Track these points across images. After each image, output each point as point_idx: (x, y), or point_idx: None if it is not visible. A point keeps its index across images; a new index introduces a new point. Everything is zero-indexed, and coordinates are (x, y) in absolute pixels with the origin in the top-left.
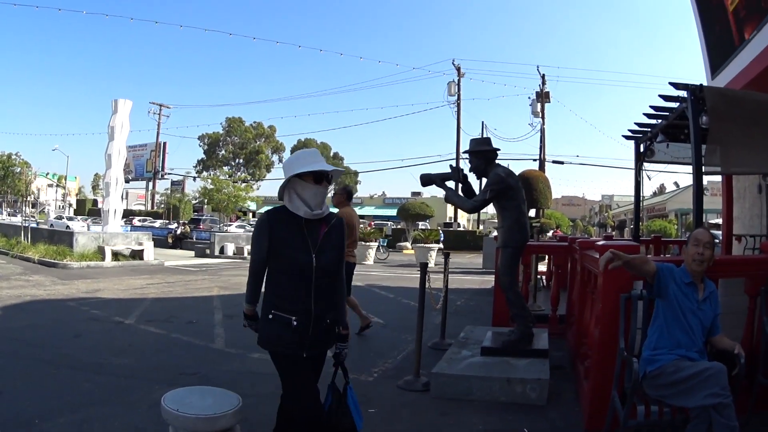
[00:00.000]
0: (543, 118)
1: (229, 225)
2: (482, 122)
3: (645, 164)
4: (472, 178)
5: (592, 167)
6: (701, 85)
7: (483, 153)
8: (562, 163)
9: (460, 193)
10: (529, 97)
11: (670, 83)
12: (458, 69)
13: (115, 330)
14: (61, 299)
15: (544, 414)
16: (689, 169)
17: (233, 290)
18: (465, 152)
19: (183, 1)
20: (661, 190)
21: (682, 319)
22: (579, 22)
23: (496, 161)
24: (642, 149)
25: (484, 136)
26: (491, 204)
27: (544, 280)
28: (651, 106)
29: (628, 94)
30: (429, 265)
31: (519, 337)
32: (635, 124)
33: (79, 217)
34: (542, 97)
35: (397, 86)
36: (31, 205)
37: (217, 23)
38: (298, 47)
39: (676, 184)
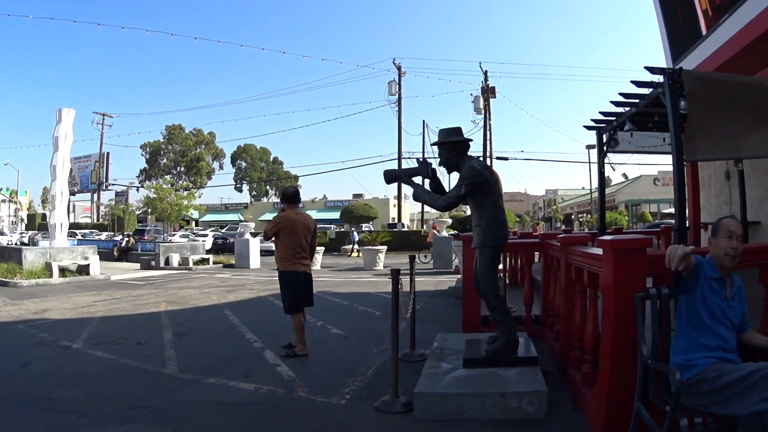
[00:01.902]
0: (487, 113)
1: (173, 235)
2: (423, 121)
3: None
4: (441, 174)
5: (535, 162)
6: (680, 68)
7: (454, 144)
8: (506, 159)
9: (429, 189)
10: (471, 94)
11: (646, 67)
12: (399, 68)
13: (64, 356)
14: (11, 322)
15: (546, 429)
16: (652, 159)
17: (181, 305)
18: (434, 144)
19: (124, 2)
20: (608, 181)
21: (714, 318)
22: (521, 19)
23: (469, 153)
24: (606, 139)
25: (427, 136)
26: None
27: (507, 279)
28: (620, 93)
29: (573, 88)
30: (377, 268)
31: (504, 345)
32: (600, 113)
33: (39, 233)
34: (487, 92)
35: (338, 87)
36: None
37: (159, 24)
38: (240, 47)
39: (624, 175)
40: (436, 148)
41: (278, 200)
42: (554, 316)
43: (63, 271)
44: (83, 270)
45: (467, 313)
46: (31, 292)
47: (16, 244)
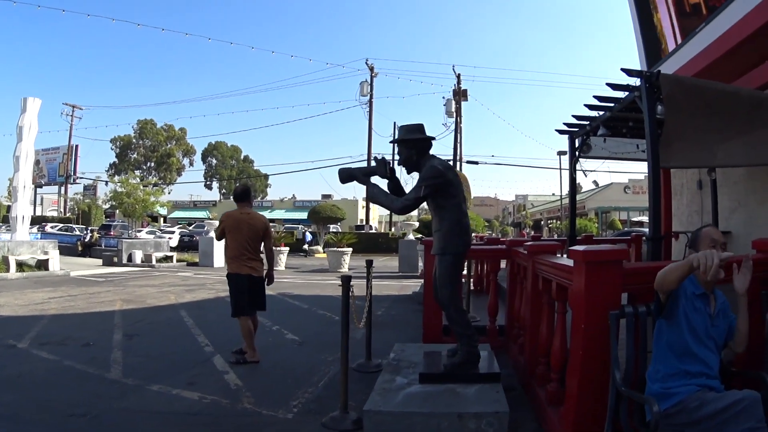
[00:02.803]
0: (459, 117)
1: (140, 231)
2: (394, 123)
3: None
4: (400, 173)
5: (506, 168)
6: (659, 71)
7: (415, 142)
8: (476, 163)
9: (386, 190)
10: (443, 97)
11: (623, 69)
12: (371, 68)
13: (5, 357)
14: None
15: None
16: (623, 166)
17: (136, 304)
18: (393, 141)
19: None
20: (578, 188)
21: (697, 340)
22: (496, 25)
23: (431, 152)
24: (578, 144)
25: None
26: (424, 203)
27: (472, 285)
28: (595, 96)
29: (546, 95)
30: (342, 269)
31: (464, 359)
32: (573, 116)
33: (3, 226)
34: (459, 95)
35: (309, 86)
36: None
37: (125, 14)
38: (208, 39)
39: (595, 183)
40: None
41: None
42: (519, 328)
43: (21, 266)
44: (42, 265)
45: (428, 322)
46: None
47: None
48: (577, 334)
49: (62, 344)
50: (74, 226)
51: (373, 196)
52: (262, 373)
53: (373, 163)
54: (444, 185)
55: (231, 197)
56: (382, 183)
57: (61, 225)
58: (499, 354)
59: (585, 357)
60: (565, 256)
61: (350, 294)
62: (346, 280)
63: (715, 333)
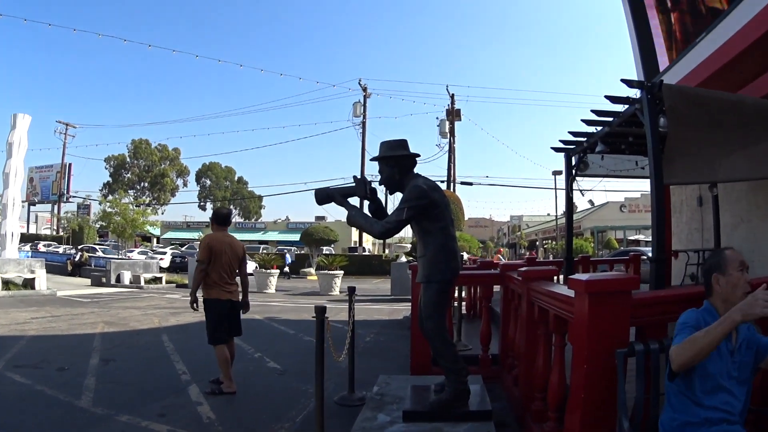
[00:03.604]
0: (453, 137)
1: (132, 251)
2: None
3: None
4: (382, 194)
5: (500, 188)
6: (661, 81)
7: (397, 159)
8: (471, 184)
9: (367, 212)
10: (437, 117)
11: (623, 80)
12: (365, 89)
13: None
14: None
15: None
16: (618, 185)
17: (119, 327)
18: (374, 159)
19: (77, 3)
20: (574, 208)
21: (717, 384)
22: (488, 44)
23: (415, 171)
24: (574, 162)
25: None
26: (408, 226)
27: (465, 309)
28: (593, 111)
29: (541, 114)
30: (333, 293)
31: (452, 396)
32: (569, 133)
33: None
34: (452, 115)
35: (300, 107)
36: None
37: (112, 29)
38: (195, 57)
39: (591, 202)
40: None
41: (242, 220)
42: (514, 358)
43: (7, 284)
44: (29, 284)
45: (415, 352)
46: None
47: None
48: (579, 373)
49: (37, 367)
50: (60, 245)
51: (352, 218)
52: (237, 405)
53: (352, 183)
54: (428, 207)
55: (212, 219)
56: (364, 204)
57: (54, 244)
58: (492, 384)
59: (587, 400)
60: (561, 279)
61: (325, 326)
62: (320, 311)
63: (739, 368)
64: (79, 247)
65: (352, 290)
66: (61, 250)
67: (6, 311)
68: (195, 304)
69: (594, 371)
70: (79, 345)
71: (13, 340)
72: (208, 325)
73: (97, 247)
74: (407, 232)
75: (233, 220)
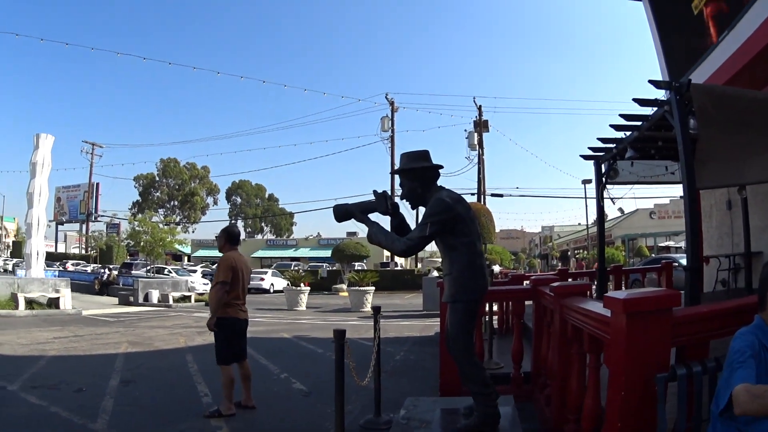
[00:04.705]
0: (481, 149)
1: (163, 269)
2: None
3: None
4: (405, 209)
5: (531, 199)
6: (689, 80)
7: (420, 172)
8: (501, 195)
9: (388, 229)
10: (465, 130)
11: (650, 81)
12: (392, 103)
13: None
14: None
15: None
16: (647, 191)
17: (143, 346)
18: (395, 172)
19: (118, 27)
20: (605, 216)
21: None
22: (514, 56)
23: (439, 183)
24: (604, 169)
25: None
26: (433, 242)
27: (497, 324)
28: (621, 115)
29: (569, 123)
30: (365, 309)
31: (481, 421)
32: (598, 139)
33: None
34: (480, 127)
35: (327, 123)
36: None
37: (155, 52)
38: (217, 74)
39: (621, 210)
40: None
41: (273, 237)
42: (546, 377)
43: (31, 303)
44: (53, 303)
45: (445, 372)
46: None
47: (1, 270)
48: (615, 400)
49: (54, 388)
50: (89, 264)
51: (373, 235)
52: (259, 429)
53: (373, 198)
54: (453, 221)
55: (225, 238)
56: (385, 220)
57: (82, 263)
58: (524, 404)
59: (624, 428)
60: (594, 291)
61: (345, 350)
62: (339, 336)
63: None
64: (104, 266)
65: (377, 310)
66: (89, 269)
67: (28, 330)
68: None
69: (632, 398)
70: (100, 365)
71: (32, 360)
72: (218, 344)
73: (133, 263)
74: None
75: (264, 237)
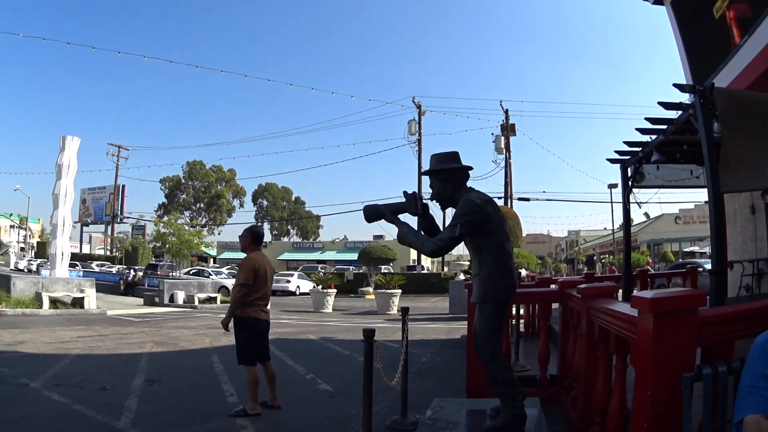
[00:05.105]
0: (508, 152)
1: (189, 271)
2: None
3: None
4: (434, 209)
5: (557, 203)
6: (712, 84)
7: (450, 173)
8: (528, 200)
9: (417, 229)
10: (492, 133)
11: (675, 85)
12: (419, 107)
13: (15, 395)
14: None
15: None
16: (672, 196)
17: (168, 346)
18: (425, 173)
19: (144, 31)
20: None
21: None
22: (543, 59)
23: (468, 184)
24: (630, 173)
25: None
26: (462, 243)
27: (524, 327)
28: (646, 118)
29: (596, 127)
30: (391, 312)
31: (507, 423)
32: (624, 143)
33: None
34: (507, 130)
35: (354, 126)
36: None
37: (182, 55)
38: (244, 77)
39: (646, 215)
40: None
41: (300, 240)
42: (572, 379)
43: (55, 303)
44: (77, 303)
45: (472, 373)
46: (14, 322)
47: (25, 270)
48: (642, 400)
49: (77, 386)
50: (113, 265)
51: (403, 236)
52: (284, 429)
53: (402, 199)
54: (482, 222)
55: (249, 239)
56: (415, 221)
57: (107, 263)
58: (550, 406)
59: (650, 428)
60: (620, 295)
61: (374, 350)
62: (368, 334)
63: None
64: (129, 267)
65: (405, 311)
66: (114, 269)
67: (52, 329)
68: (229, 325)
69: (658, 398)
70: (125, 365)
71: (56, 359)
72: (239, 344)
73: (158, 264)
74: (466, 248)
75: (291, 240)
